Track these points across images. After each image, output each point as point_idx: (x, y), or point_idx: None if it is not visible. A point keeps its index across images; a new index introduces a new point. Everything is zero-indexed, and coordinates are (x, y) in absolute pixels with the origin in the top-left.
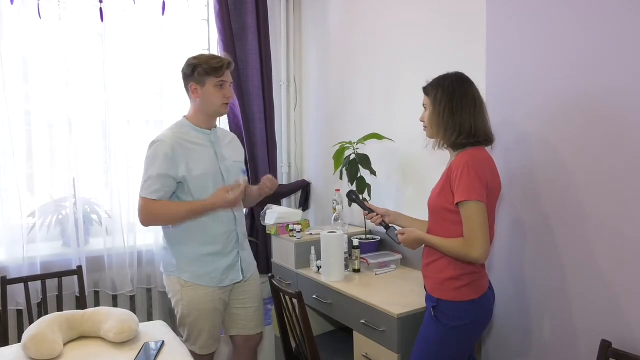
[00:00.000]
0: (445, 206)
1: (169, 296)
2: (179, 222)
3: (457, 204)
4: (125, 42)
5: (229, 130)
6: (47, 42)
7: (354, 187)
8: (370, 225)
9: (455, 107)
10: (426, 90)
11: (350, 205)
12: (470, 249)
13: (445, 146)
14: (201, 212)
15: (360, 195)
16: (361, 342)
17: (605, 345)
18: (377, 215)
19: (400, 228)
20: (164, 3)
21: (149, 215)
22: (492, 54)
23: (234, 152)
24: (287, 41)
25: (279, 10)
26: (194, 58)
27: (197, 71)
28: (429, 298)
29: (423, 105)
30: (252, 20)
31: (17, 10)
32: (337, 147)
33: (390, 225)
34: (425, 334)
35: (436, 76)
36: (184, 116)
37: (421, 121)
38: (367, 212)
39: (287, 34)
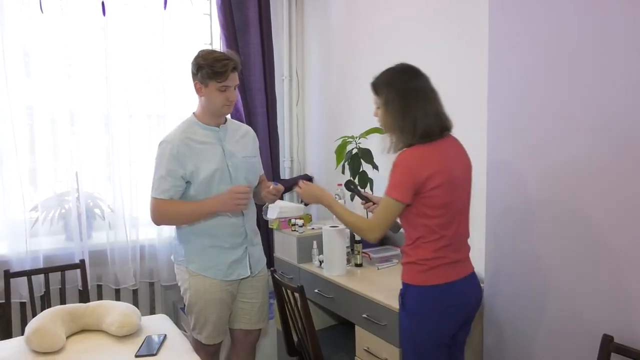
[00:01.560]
0: None
1: (179, 284)
2: (189, 222)
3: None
4: (127, 36)
5: None
6: (49, 36)
7: (355, 182)
8: None
9: (407, 106)
10: (375, 88)
11: (352, 198)
12: (368, 232)
13: (402, 147)
14: (207, 214)
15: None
16: (363, 337)
17: (607, 340)
18: (374, 204)
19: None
20: None
21: (159, 215)
22: (494, 50)
23: (245, 147)
24: (289, 35)
25: (281, 4)
26: (202, 57)
27: (200, 72)
28: (402, 286)
29: (374, 103)
30: (254, 14)
31: (19, 4)
32: (339, 142)
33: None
34: (400, 324)
35: (383, 70)
36: (193, 113)
37: (375, 116)
38: (364, 201)
39: (289, 28)
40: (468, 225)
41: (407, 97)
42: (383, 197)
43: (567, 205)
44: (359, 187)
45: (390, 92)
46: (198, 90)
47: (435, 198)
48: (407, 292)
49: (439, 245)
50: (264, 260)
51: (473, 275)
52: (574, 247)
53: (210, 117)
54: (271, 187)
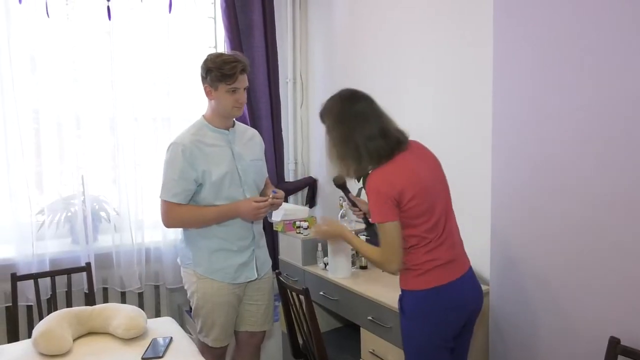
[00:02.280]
0: None
1: (185, 287)
2: (201, 226)
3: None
4: (132, 40)
5: None
6: (55, 40)
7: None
8: None
9: (348, 134)
10: (320, 117)
11: (340, 202)
12: (386, 265)
13: (358, 175)
14: (224, 219)
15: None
16: (368, 339)
17: (614, 342)
18: (359, 211)
19: None
20: (170, 1)
21: (170, 218)
22: (499, 51)
23: (253, 150)
24: (294, 38)
25: (285, 8)
26: (211, 60)
27: (210, 75)
28: (401, 292)
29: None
30: (259, 17)
31: (26, 9)
32: None
33: (372, 222)
34: (401, 330)
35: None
36: (203, 115)
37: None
38: (350, 203)
39: (293, 31)
40: (455, 221)
41: (345, 123)
42: (377, 228)
43: (573, 207)
44: (347, 188)
45: (329, 119)
46: (208, 94)
47: (414, 209)
48: (404, 298)
49: (430, 248)
50: (270, 262)
51: (470, 274)
52: (580, 249)
53: (220, 119)
54: (270, 197)
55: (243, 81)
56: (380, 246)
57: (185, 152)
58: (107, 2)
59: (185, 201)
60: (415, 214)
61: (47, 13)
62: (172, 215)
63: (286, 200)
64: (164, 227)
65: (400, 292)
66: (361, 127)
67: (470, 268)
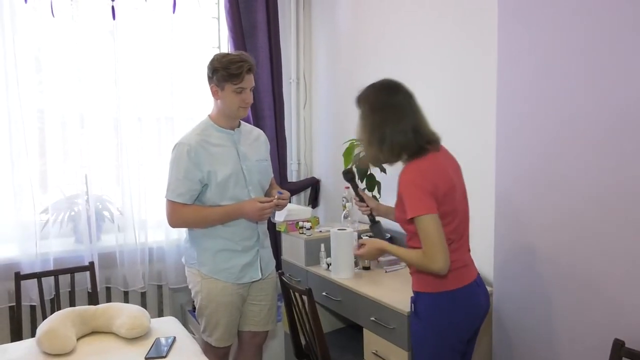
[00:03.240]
0: (403, 217)
1: (189, 287)
2: (206, 227)
3: (410, 219)
4: (136, 40)
5: None
6: (60, 40)
7: (363, 185)
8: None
9: (379, 122)
10: (356, 101)
11: (344, 203)
12: (431, 263)
13: (380, 163)
14: (228, 220)
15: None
16: (371, 340)
17: (619, 344)
18: (367, 206)
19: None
20: (174, 1)
21: (175, 218)
22: (503, 55)
23: (258, 151)
24: (297, 38)
25: (288, 8)
26: (217, 60)
27: (216, 75)
28: (413, 294)
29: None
30: (262, 17)
31: (31, 8)
32: (347, 145)
33: (377, 220)
34: (411, 333)
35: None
36: (208, 115)
37: None
38: (357, 198)
39: (296, 32)
40: (469, 227)
41: (379, 112)
42: (415, 222)
43: (576, 209)
44: (356, 181)
45: (365, 106)
46: (214, 94)
47: (442, 208)
48: (419, 299)
49: (452, 249)
50: (274, 262)
51: (480, 278)
52: (583, 251)
53: (226, 119)
54: (275, 198)
55: (249, 81)
56: (422, 244)
57: (190, 152)
58: (111, 2)
59: (190, 201)
60: (442, 214)
61: (52, 13)
62: (176, 216)
63: (289, 201)
64: (169, 226)
65: (412, 295)
66: (393, 119)
67: (479, 273)
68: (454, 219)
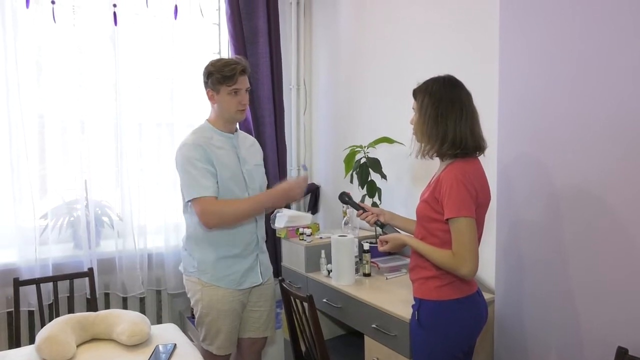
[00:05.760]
0: (431, 215)
1: (188, 295)
2: (240, 220)
3: (447, 219)
4: (137, 45)
5: None
6: (61, 46)
7: (364, 191)
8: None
9: (440, 115)
10: (415, 93)
11: (344, 209)
12: (460, 266)
13: (431, 155)
14: (261, 208)
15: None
16: (372, 347)
17: (622, 352)
18: (372, 214)
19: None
20: (176, 7)
21: (209, 214)
22: (505, 58)
23: (255, 156)
24: (298, 45)
25: (289, 14)
26: (211, 64)
27: (210, 79)
28: (415, 301)
29: (412, 108)
30: (263, 24)
31: (32, 13)
32: (348, 151)
33: (385, 223)
34: (413, 340)
35: (428, 78)
36: (207, 120)
37: (411, 124)
38: (360, 211)
39: (297, 38)
40: None
41: (442, 105)
42: (452, 222)
43: (578, 215)
44: (352, 199)
45: (426, 98)
46: (211, 98)
47: (478, 214)
48: (422, 307)
49: None
50: (271, 268)
51: (479, 290)
52: (586, 259)
53: (224, 123)
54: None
55: (244, 82)
56: (454, 246)
57: (199, 148)
58: (113, 7)
59: (216, 194)
60: (476, 221)
61: (54, 18)
62: (210, 211)
63: (289, 207)
64: (170, 232)
65: (414, 302)
66: (455, 114)
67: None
68: (478, 229)
